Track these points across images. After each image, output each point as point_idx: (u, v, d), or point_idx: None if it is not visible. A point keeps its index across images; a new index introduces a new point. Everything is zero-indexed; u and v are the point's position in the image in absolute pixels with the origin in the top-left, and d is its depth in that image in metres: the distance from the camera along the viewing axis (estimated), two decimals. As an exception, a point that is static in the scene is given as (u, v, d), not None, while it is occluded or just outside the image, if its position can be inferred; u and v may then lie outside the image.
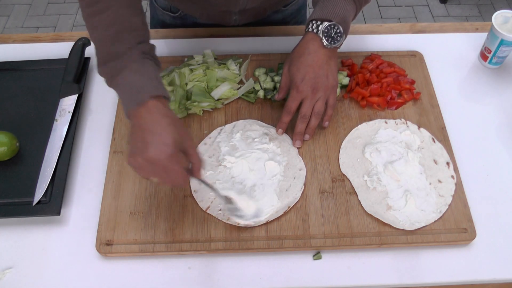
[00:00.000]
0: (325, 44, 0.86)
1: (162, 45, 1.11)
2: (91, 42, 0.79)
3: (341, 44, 0.88)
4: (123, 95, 0.76)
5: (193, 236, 0.83)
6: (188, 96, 0.97)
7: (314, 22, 0.87)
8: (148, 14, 1.14)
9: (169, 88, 0.98)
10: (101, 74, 0.79)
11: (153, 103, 0.72)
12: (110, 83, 0.78)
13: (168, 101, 0.77)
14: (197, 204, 0.86)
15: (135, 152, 0.71)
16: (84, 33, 1.12)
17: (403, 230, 0.83)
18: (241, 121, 0.97)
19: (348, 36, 1.12)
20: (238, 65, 1.04)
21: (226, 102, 0.99)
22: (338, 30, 0.86)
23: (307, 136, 0.92)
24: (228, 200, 0.82)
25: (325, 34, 0.85)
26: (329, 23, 0.85)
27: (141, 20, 0.80)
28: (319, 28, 0.85)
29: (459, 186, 0.88)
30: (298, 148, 0.93)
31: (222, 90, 0.98)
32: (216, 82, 0.99)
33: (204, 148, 0.93)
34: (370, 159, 0.91)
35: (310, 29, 0.87)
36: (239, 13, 1.09)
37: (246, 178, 0.88)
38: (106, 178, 0.89)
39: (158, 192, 0.88)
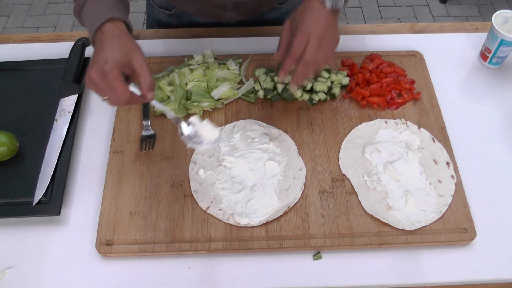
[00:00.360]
0: (327, 4, 0.82)
1: (162, 45, 1.11)
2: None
3: (342, 6, 0.84)
4: (86, 26, 0.81)
5: (193, 236, 0.83)
6: (188, 96, 0.97)
7: None
8: (143, 13, 1.13)
9: (169, 88, 0.98)
10: (73, 13, 0.84)
11: (107, 27, 0.76)
12: (79, 19, 0.83)
13: (126, 23, 0.80)
14: (197, 204, 0.86)
15: (89, 68, 0.75)
16: (84, 33, 1.12)
17: (403, 230, 0.83)
18: (241, 121, 0.97)
19: (348, 36, 1.13)
20: (238, 65, 1.04)
21: (226, 102, 0.99)
22: None
23: (303, 81, 0.86)
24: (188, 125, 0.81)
25: None
26: None
27: None
28: None
29: (459, 186, 0.88)
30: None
31: (222, 90, 0.98)
32: (216, 82, 0.99)
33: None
34: (370, 159, 0.91)
35: None
36: (233, 8, 1.09)
37: (246, 178, 0.88)
38: (106, 178, 0.89)
39: (158, 192, 0.88)
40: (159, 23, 1.21)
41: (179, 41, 1.11)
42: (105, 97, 0.75)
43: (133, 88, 0.76)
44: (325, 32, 0.82)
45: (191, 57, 1.04)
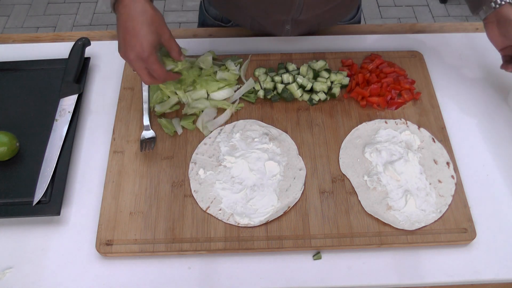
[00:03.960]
0: None
1: (162, 45, 1.11)
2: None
3: None
4: None
5: (193, 236, 0.83)
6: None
7: None
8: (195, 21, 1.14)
9: (168, 89, 0.98)
10: None
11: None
12: None
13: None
14: (197, 204, 0.86)
15: (121, 48, 0.81)
16: (84, 33, 1.12)
17: (403, 230, 0.83)
18: (241, 121, 0.97)
19: (348, 36, 1.13)
20: (238, 65, 1.04)
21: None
22: None
23: None
24: None
25: None
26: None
27: None
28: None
29: (459, 186, 0.88)
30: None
31: (221, 96, 0.98)
32: (218, 83, 0.99)
33: (204, 148, 0.93)
34: (370, 159, 0.91)
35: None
36: (291, 25, 1.08)
37: (246, 178, 0.88)
38: (106, 178, 0.89)
39: (158, 192, 0.88)
40: None
41: (179, 41, 1.10)
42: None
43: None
44: None
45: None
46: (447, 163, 0.91)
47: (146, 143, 0.93)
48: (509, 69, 0.95)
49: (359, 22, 1.25)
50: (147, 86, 1.01)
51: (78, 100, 0.99)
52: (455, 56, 1.10)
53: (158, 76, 0.84)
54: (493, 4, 0.91)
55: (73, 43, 1.05)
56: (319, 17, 1.09)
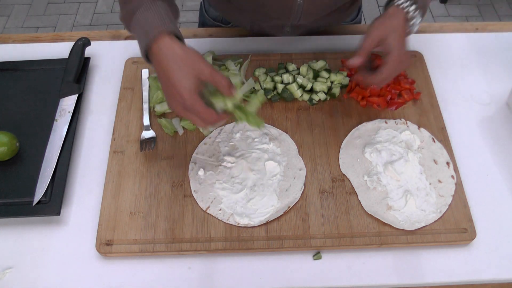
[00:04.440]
0: (408, 29, 0.87)
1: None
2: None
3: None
4: (137, 36, 0.79)
5: (193, 236, 0.83)
6: None
7: (408, 4, 0.86)
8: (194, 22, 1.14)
9: None
10: (121, 19, 0.82)
11: (162, 43, 0.74)
12: (128, 27, 0.81)
13: (181, 39, 0.77)
14: (197, 204, 0.86)
15: (167, 101, 0.77)
16: (84, 33, 1.12)
17: (403, 230, 0.83)
18: (241, 121, 0.97)
19: (348, 36, 1.13)
20: (238, 65, 1.04)
21: None
22: (418, 21, 0.88)
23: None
24: None
25: (413, 21, 0.87)
26: (417, 10, 0.87)
27: None
28: (410, 10, 0.86)
29: (459, 186, 0.88)
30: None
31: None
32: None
33: (204, 148, 0.93)
34: (370, 159, 0.91)
35: (401, 5, 0.86)
36: (291, 26, 1.08)
37: (246, 178, 0.88)
38: (106, 178, 0.89)
39: (158, 192, 0.88)
40: None
41: (179, 41, 1.11)
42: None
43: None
44: (407, 61, 0.88)
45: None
46: (447, 163, 0.91)
47: (146, 143, 0.93)
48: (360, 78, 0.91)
49: (359, 23, 1.25)
50: (147, 86, 1.01)
51: (78, 100, 0.99)
52: (455, 56, 1.10)
53: (209, 121, 0.74)
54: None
55: (73, 43, 1.05)
56: (319, 21, 1.09)
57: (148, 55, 0.77)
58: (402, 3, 0.86)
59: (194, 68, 0.73)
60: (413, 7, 0.86)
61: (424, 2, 0.89)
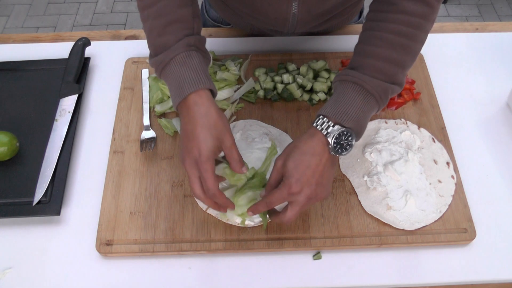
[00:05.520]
0: (331, 151, 0.73)
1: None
2: (145, 36, 0.81)
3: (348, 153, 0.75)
4: (170, 89, 0.78)
5: (193, 236, 0.83)
6: None
7: (325, 120, 0.73)
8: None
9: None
10: (151, 65, 0.80)
11: (193, 99, 0.73)
12: (160, 75, 0.80)
13: (214, 94, 0.77)
14: (197, 204, 0.86)
15: (180, 153, 0.76)
16: (84, 33, 1.12)
17: (403, 230, 0.83)
18: (241, 121, 0.97)
19: (348, 36, 1.13)
20: (238, 65, 1.04)
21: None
22: (350, 138, 0.73)
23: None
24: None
25: (335, 141, 0.72)
26: (341, 129, 0.72)
27: (190, 12, 0.79)
28: (329, 131, 0.73)
29: (459, 186, 0.88)
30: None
31: (221, 96, 0.98)
32: (218, 84, 0.99)
33: (204, 148, 0.93)
34: (370, 159, 0.91)
35: (319, 128, 0.74)
36: (290, 33, 1.08)
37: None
38: (106, 178, 0.89)
39: (158, 192, 0.88)
40: None
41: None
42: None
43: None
44: (315, 193, 0.74)
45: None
46: (447, 163, 0.91)
47: (146, 143, 0.93)
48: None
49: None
50: (147, 86, 1.01)
51: (78, 100, 0.99)
52: (455, 56, 1.10)
53: (207, 187, 0.72)
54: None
55: (73, 43, 1.05)
56: (317, 27, 1.09)
57: (179, 106, 0.75)
58: (319, 122, 0.74)
59: (221, 134, 0.73)
60: (335, 128, 0.72)
61: (356, 117, 0.73)
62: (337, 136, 0.72)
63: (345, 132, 0.72)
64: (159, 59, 0.77)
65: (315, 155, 0.73)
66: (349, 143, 0.73)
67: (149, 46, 0.81)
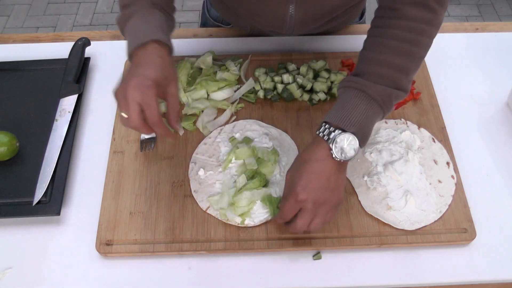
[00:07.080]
0: (334, 156, 0.73)
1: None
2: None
3: (354, 157, 0.74)
4: (128, 39, 0.78)
5: (193, 236, 0.83)
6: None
7: (327, 126, 0.74)
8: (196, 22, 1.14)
9: None
10: (117, 23, 0.81)
11: (152, 46, 0.74)
12: (122, 31, 0.81)
13: (170, 50, 0.78)
14: (197, 204, 0.86)
15: (120, 84, 0.74)
16: (84, 33, 1.12)
17: (403, 230, 0.83)
18: (241, 121, 0.97)
19: (348, 36, 1.13)
20: (238, 65, 1.04)
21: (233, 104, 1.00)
22: (352, 143, 0.73)
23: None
24: None
25: (336, 145, 0.72)
26: (342, 133, 0.72)
27: None
28: (330, 137, 0.73)
29: (459, 186, 0.88)
30: None
31: (221, 96, 0.98)
32: (218, 83, 0.99)
33: (204, 148, 0.93)
34: (370, 159, 0.91)
35: (321, 134, 0.74)
36: (291, 33, 1.08)
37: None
38: (106, 178, 0.89)
39: (158, 192, 0.88)
40: None
41: (179, 41, 1.11)
42: (125, 114, 0.72)
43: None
44: (323, 198, 0.73)
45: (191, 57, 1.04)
46: (447, 163, 0.91)
47: (146, 143, 0.93)
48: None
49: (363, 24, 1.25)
50: None
51: (78, 100, 0.99)
52: (455, 56, 1.10)
53: (150, 115, 0.71)
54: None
55: (73, 43, 1.05)
56: (317, 29, 1.09)
57: (134, 53, 0.76)
58: (321, 129, 0.74)
59: (169, 78, 0.74)
60: (336, 133, 0.72)
61: (360, 122, 0.73)
62: (339, 140, 0.72)
63: (347, 137, 0.73)
64: (123, 13, 0.79)
65: (318, 161, 0.73)
66: (353, 148, 0.73)
67: (119, 4, 0.82)
